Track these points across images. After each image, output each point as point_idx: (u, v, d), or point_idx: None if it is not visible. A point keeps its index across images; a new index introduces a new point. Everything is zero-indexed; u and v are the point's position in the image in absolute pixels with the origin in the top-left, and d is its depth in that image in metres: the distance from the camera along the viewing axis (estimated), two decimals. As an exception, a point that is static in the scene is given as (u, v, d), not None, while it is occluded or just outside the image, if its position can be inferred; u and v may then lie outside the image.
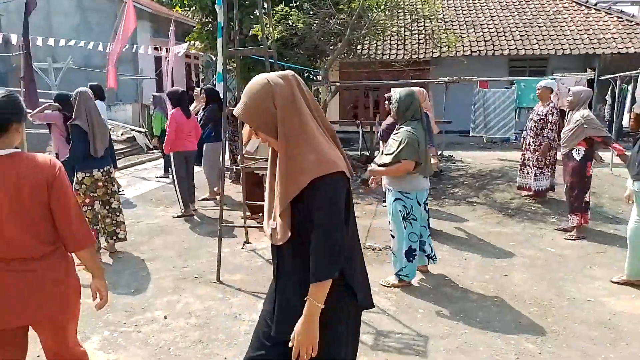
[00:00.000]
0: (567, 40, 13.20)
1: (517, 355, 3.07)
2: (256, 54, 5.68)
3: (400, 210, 3.91)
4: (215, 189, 7.21)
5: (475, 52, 13.16)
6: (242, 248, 5.12)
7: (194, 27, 16.23)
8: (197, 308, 3.76)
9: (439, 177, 8.54)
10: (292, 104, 1.63)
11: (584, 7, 14.43)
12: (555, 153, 6.66)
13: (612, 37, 13.04)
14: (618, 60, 12.68)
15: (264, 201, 1.84)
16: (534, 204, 6.56)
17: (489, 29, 13.98)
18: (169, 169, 7.34)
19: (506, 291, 4.00)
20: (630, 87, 8.70)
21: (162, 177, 9.02)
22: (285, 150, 1.63)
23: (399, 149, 3.75)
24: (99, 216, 4.73)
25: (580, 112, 5.11)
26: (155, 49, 15.36)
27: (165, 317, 3.61)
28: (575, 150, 5.17)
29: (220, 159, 4.90)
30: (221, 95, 6.49)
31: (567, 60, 13.42)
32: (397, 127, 4.02)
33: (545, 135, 6.45)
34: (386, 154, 3.90)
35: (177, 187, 6.21)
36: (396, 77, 11.59)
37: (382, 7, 8.45)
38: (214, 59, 16.51)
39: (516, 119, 10.44)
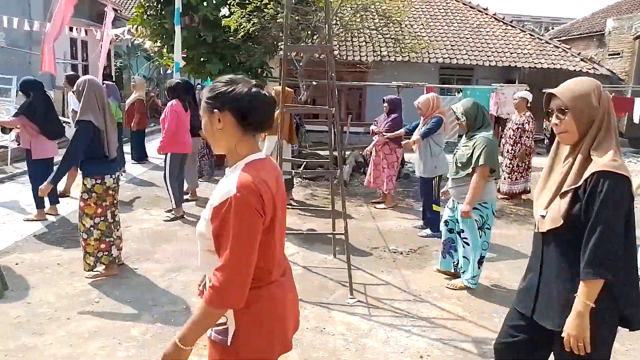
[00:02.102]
0: (492, 52, 14.34)
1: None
2: (314, 51, 5.21)
3: (476, 220, 3.98)
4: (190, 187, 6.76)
5: (413, 58, 13.73)
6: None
7: (115, 9, 14.91)
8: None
9: (408, 179, 8.82)
10: (609, 108, 1.84)
11: (502, 23, 15.78)
12: (531, 158, 7.25)
13: (528, 52, 14.43)
14: (534, 74, 14.11)
15: None
16: (512, 206, 7.06)
17: (422, 37, 14.65)
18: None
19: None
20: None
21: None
22: (592, 141, 1.80)
23: (479, 155, 3.81)
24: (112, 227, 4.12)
25: None
26: (70, 29, 13.84)
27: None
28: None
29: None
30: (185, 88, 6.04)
31: (490, 71, 14.58)
32: (464, 136, 4.09)
33: (522, 142, 6.97)
34: (460, 164, 3.96)
35: (169, 188, 5.66)
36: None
37: (352, 9, 8.48)
38: (144, 45, 15.35)
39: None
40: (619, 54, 15.89)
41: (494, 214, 4.09)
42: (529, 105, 7.17)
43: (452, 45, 14.43)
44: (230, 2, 8.15)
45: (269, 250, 1.61)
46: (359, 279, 4.29)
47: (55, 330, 3.26)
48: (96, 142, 3.75)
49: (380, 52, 13.51)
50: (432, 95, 5.74)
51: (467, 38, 14.88)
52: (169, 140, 5.44)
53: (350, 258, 4.04)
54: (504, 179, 7.16)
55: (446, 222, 4.32)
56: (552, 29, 28.53)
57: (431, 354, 3.14)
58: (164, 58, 13.19)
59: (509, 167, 7.08)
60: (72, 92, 5.78)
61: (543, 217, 1.89)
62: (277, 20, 7.85)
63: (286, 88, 5.43)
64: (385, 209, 6.80)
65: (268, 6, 7.79)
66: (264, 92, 1.58)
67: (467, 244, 4.09)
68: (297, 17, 7.82)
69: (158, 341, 3.16)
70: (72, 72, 8.63)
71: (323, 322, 3.51)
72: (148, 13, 10.51)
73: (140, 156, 9.48)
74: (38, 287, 3.90)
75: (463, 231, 4.09)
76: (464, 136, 4.16)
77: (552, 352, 1.98)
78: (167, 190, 5.74)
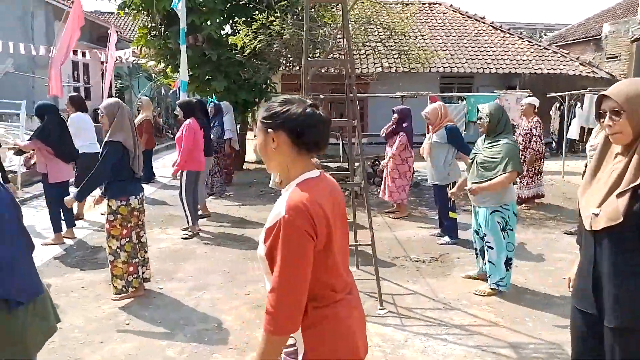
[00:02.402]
0: (492, 60, 14.47)
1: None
2: (334, 65, 5.24)
3: (498, 222, 3.99)
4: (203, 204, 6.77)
5: (414, 68, 13.83)
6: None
7: (108, 30, 15.02)
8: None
9: (419, 188, 8.83)
10: None
11: (499, 31, 15.94)
12: (542, 163, 7.27)
13: (528, 58, 14.56)
14: (534, 80, 14.22)
15: None
16: (526, 211, 7.05)
17: (422, 48, 14.79)
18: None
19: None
20: (578, 104, 9.76)
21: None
22: None
23: (507, 161, 3.83)
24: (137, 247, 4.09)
25: None
26: (74, 52, 13.95)
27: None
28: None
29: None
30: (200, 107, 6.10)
31: (490, 78, 14.68)
32: (484, 140, 4.10)
33: (532, 147, 7.00)
34: (483, 169, 3.98)
35: (185, 206, 5.65)
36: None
37: (356, 22, 8.57)
38: (145, 66, 15.44)
39: (464, 132, 11.18)
40: (616, 57, 16.04)
41: (515, 215, 4.09)
42: (536, 110, 7.21)
43: (452, 55, 14.56)
44: (236, 21, 8.23)
45: (330, 269, 1.58)
46: (385, 289, 4.26)
47: (90, 354, 3.23)
48: (124, 163, 3.75)
49: (382, 63, 13.62)
50: (439, 105, 5.78)
51: (466, 47, 15.02)
52: (186, 158, 5.45)
53: (377, 271, 4.01)
54: (514, 183, 7.17)
55: (477, 231, 4.30)
56: (546, 35, 28.82)
57: (471, 362, 3.12)
58: (167, 78, 13.34)
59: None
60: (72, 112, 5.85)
61: (596, 215, 1.89)
62: (283, 37, 7.92)
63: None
64: (399, 218, 6.80)
65: (274, 23, 7.87)
66: (319, 112, 1.56)
67: (491, 248, 4.08)
68: (302, 33, 7.89)
69: (194, 361, 3.13)
70: (75, 94, 8.67)
71: (357, 334, 3.48)
72: (152, 34, 10.61)
73: (149, 176, 9.47)
74: (66, 311, 3.86)
75: (486, 235, 4.09)
76: (482, 140, 4.18)
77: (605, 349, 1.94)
78: (183, 208, 5.73)
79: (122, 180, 3.80)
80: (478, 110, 4.14)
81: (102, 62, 17.38)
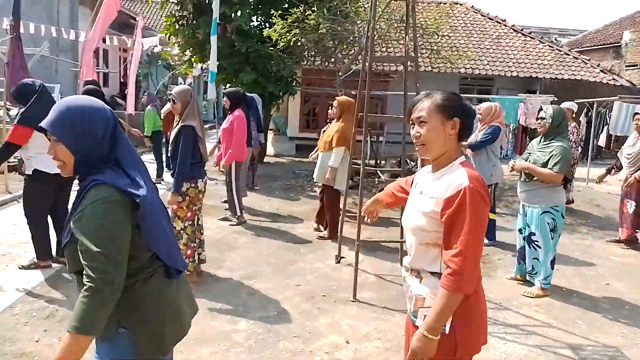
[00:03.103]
0: (513, 63, 14.48)
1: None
2: (396, 61, 5.26)
3: (548, 223, 4.05)
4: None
5: (436, 68, 13.88)
6: (338, 262, 4.87)
7: (133, 18, 15.01)
8: (369, 330, 3.50)
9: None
10: None
11: (520, 35, 15.94)
12: (575, 169, 7.32)
13: (549, 63, 14.56)
14: (554, 85, 14.25)
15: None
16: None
17: (443, 49, 14.81)
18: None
19: (628, 298, 4.30)
20: (606, 112, 9.81)
21: (155, 183, 8.22)
22: None
23: (556, 162, 3.89)
24: (196, 232, 4.19)
25: None
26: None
27: (347, 342, 3.32)
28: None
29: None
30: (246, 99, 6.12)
31: (510, 81, 14.68)
32: (540, 141, 4.16)
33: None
34: (532, 164, 4.05)
35: (236, 196, 5.71)
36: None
37: (388, 20, 8.60)
38: (167, 54, 15.47)
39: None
40: (636, 65, 16.05)
41: (563, 217, 4.16)
42: (573, 115, 7.24)
43: (473, 56, 14.55)
44: (269, 13, 8.26)
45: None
46: (433, 287, 4.32)
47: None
48: (195, 148, 3.84)
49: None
50: (495, 104, 5.79)
51: (487, 49, 15.02)
52: (238, 151, 5.50)
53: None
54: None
55: (520, 230, 4.37)
56: (557, 39, 28.76)
57: (535, 361, 3.18)
58: (183, 67, 13.36)
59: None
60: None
61: None
62: (319, 31, 7.95)
63: (348, 99, 5.54)
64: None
65: (309, 17, 7.89)
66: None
67: (539, 247, 4.15)
68: (338, 28, 7.94)
69: (263, 347, 3.19)
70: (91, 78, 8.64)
71: (416, 329, 3.54)
72: (179, 23, 10.64)
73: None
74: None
75: (534, 234, 4.16)
76: (537, 141, 4.23)
77: None
78: (233, 198, 5.77)
79: (191, 163, 3.88)
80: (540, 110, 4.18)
81: (122, 50, 17.49)
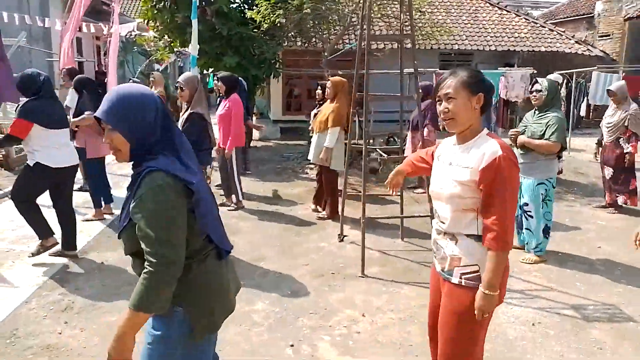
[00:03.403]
0: (491, 37, 14.64)
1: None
2: (394, 40, 5.27)
3: (542, 193, 4.25)
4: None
5: (417, 45, 13.92)
6: (341, 241, 4.98)
7: (107, 4, 14.58)
8: (381, 303, 3.63)
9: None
10: None
11: (496, 8, 16.08)
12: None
13: (525, 36, 14.77)
14: (532, 57, 14.47)
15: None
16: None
17: (422, 24, 14.87)
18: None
19: (620, 259, 4.52)
20: (586, 82, 10.07)
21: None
22: None
23: (553, 132, 4.04)
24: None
25: (632, 106, 5.75)
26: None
27: (363, 315, 3.45)
28: (622, 139, 5.83)
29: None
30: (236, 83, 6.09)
31: (489, 55, 14.85)
32: (534, 113, 4.31)
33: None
34: (531, 137, 4.20)
35: (237, 181, 5.73)
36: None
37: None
38: (143, 40, 15.16)
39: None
40: (608, 35, 16.40)
41: (554, 187, 4.36)
42: (505, 87, 7.43)
43: (455, 31, 14.66)
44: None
45: None
46: (436, 259, 4.47)
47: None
48: (204, 133, 3.87)
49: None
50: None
51: (465, 24, 15.13)
52: (238, 137, 5.50)
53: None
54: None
55: (516, 200, 4.55)
56: (531, 12, 29.03)
57: (542, 321, 3.36)
58: (160, 53, 13.14)
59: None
60: (73, 88, 5.57)
61: None
62: (303, 11, 7.91)
63: (341, 79, 5.59)
64: (424, 193, 7.00)
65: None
66: None
67: (531, 216, 4.34)
68: (322, 7, 7.91)
69: (283, 325, 3.29)
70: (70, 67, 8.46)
71: (425, 300, 3.66)
72: (157, 7, 10.43)
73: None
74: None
75: (527, 204, 4.33)
76: (531, 113, 4.38)
77: None
78: (235, 183, 5.77)
79: (201, 150, 3.92)
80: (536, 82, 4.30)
81: (96, 37, 17.05)
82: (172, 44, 11.11)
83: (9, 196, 6.52)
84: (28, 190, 4.22)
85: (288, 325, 3.29)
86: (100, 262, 4.39)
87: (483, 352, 2.09)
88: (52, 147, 4.17)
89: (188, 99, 3.88)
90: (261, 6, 8.02)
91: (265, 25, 8.22)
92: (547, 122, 4.11)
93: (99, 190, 5.59)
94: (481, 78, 1.95)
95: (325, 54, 8.47)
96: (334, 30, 8.75)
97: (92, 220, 5.52)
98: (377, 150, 5.82)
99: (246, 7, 10.64)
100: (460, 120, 1.93)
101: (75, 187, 6.69)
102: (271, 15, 8.05)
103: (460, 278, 1.94)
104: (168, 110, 1.70)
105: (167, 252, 1.55)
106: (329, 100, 5.56)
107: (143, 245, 1.58)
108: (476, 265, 1.91)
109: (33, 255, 4.28)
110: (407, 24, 4.83)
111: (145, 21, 10.61)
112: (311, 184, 7.43)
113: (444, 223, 2.00)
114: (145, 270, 1.56)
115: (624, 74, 10.51)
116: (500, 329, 3.26)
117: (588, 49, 14.49)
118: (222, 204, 6.10)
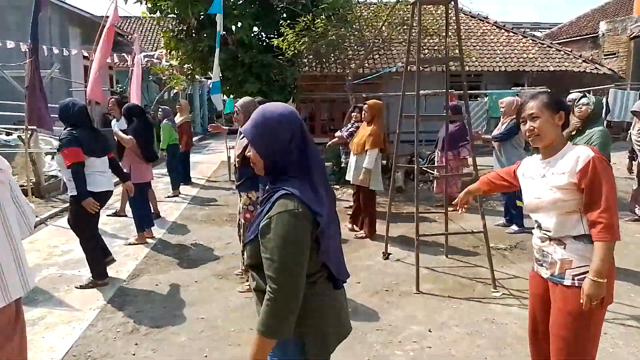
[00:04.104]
0: (500, 58, 14.92)
1: None
2: (444, 62, 5.40)
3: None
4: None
5: (427, 69, 14.20)
6: (386, 258, 5.03)
7: (121, 36, 14.92)
8: (445, 319, 3.67)
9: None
10: None
11: (504, 31, 16.42)
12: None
13: (534, 56, 15.06)
14: (540, 77, 14.72)
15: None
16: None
17: (432, 47, 15.17)
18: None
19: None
20: (603, 100, 10.25)
21: (172, 196, 8.25)
22: None
23: (596, 144, 4.12)
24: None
25: None
26: (85, 57, 13.92)
27: (430, 331, 3.48)
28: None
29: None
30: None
31: (498, 76, 15.14)
32: (577, 134, 4.40)
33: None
34: None
35: None
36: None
37: (389, 23, 8.84)
38: (157, 69, 15.45)
39: (485, 127, 11.60)
40: (614, 53, 16.69)
41: None
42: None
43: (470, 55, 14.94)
44: (281, 23, 8.41)
45: None
46: (484, 275, 4.51)
47: (247, 340, 3.37)
48: None
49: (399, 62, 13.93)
50: (516, 98, 6.05)
51: (474, 46, 15.43)
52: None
53: (491, 256, 4.28)
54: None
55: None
56: (532, 34, 29.52)
57: (608, 332, 3.38)
58: (175, 82, 13.39)
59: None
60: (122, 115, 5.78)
61: None
62: (328, 38, 8.12)
63: (377, 101, 5.73)
64: (455, 210, 7.06)
65: (317, 24, 8.05)
66: None
67: None
68: (347, 34, 8.11)
69: (353, 342, 3.31)
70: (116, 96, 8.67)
71: (487, 314, 3.72)
72: (179, 37, 10.70)
73: (188, 178, 9.55)
74: (195, 304, 4.01)
75: None
76: (576, 136, 4.46)
77: None
78: None
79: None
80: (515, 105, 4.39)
81: (109, 67, 17.34)
82: (192, 72, 11.35)
83: (46, 222, 6.61)
84: (84, 222, 4.30)
85: (358, 342, 3.32)
86: (155, 284, 4.44)
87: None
88: (94, 174, 4.28)
89: (243, 122, 3.99)
90: (287, 34, 8.22)
91: (290, 52, 8.41)
92: (591, 136, 4.20)
93: (142, 214, 5.66)
94: (559, 98, 2.20)
95: (349, 77, 8.65)
96: (355, 55, 8.94)
97: (134, 244, 5.59)
98: (424, 169, 5.91)
99: (264, 35, 10.94)
100: (544, 135, 2.14)
101: (110, 212, 6.88)
102: (296, 43, 8.25)
103: (573, 279, 2.05)
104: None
105: (289, 280, 1.57)
106: (365, 123, 5.69)
107: (266, 269, 1.60)
108: (587, 265, 2.02)
109: (81, 287, 4.36)
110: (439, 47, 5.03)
111: (168, 51, 10.86)
112: (340, 204, 7.52)
113: (549, 231, 2.12)
114: (267, 296, 1.59)
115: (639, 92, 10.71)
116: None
117: (596, 67, 14.76)
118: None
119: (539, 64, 14.79)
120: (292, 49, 8.37)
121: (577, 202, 2.04)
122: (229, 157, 10.00)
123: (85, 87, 9.08)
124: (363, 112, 5.72)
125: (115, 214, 6.88)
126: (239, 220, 4.35)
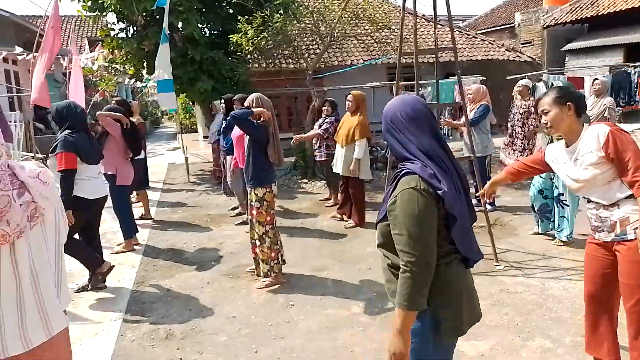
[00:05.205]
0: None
1: None
2: (433, 52, 5.59)
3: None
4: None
5: (366, 60, 14.64)
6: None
7: (40, 34, 13.95)
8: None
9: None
10: None
11: (431, 23, 17.23)
12: (535, 137, 8.33)
13: (462, 47, 15.98)
14: (470, 66, 15.67)
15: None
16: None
17: (369, 41, 15.64)
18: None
19: None
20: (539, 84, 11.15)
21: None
22: None
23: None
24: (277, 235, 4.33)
25: (607, 99, 6.58)
26: (5, 60, 12.86)
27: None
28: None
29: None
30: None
31: (430, 67, 15.88)
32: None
33: (530, 123, 8.01)
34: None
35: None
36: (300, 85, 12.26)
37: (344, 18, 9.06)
38: (92, 71, 14.59)
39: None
40: (530, 42, 18.13)
41: None
42: (529, 91, 8.23)
43: (396, 46, 15.53)
44: (239, 19, 8.32)
45: None
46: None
47: (289, 332, 3.45)
48: (266, 152, 4.01)
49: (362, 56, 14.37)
50: (482, 86, 6.49)
51: (406, 38, 16.06)
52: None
53: (491, 231, 4.63)
54: (517, 157, 8.15)
55: (541, 190, 5.07)
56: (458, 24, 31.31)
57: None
58: (106, 83, 12.82)
59: (521, 146, 8.06)
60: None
61: None
62: (289, 33, 8.16)
63: (361, 92, 5.92)
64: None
65: (275, 18, 8.05)
66: None
67: (567, 205, 4.86)
68: (307, 28, 8.20)
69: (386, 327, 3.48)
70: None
71: (500, 285, 4.05)
72: (119, 36, 10.23)
73: (146, 181, 9.17)
74: (218, 304, 3.98)
75: (562, 194, 4.86)
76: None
77: None
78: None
79: (265, 168, 4.03)
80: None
81: (28, 70, 16.06)
82: (134, 72, 10.90)
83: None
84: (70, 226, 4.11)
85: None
86: (167, 289, 4.33)
87: None
88: (86, 180, 4.13)
89: (255, 118, 4.03)
90: (245, 30, 8.15)
91: (250, 48, 8.36)
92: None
93: (128, 219, 5.44)
94: (567, 92, 2.53)
95: (309, 72, 8.75)
96: (307, 49, 9.05)
97: (122, 252, 5.36)
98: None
99: (210, 32, 10.73)
100: (557, 126, 2.50)
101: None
102: (255, 38, 8.21)
103: (635, 232, 2.36)
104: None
105: (418, 252, 1.67)
106: (349, 114, 5.84)
107: (397, 244, 1.73)
108: None
109: (79, 290, 4.31)
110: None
111: (110, 50, 10.33)
112: (315, 197, 7.64)
113: (601, 200, 2.45)
114: (402, 270, 1.70)
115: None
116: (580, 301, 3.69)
117: (518, 56, 15.95)
118: (243, 223, 6.11)
119: (467, 53, 15.72)
120: (250, 44, 8.32)
121: (613, 171, 2.38)
122: (186, 158, 9.73)
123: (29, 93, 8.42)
124: (347, 103, 5.85)
125: (141, 218, 6.68)
126: (248, 218, 4.37)
